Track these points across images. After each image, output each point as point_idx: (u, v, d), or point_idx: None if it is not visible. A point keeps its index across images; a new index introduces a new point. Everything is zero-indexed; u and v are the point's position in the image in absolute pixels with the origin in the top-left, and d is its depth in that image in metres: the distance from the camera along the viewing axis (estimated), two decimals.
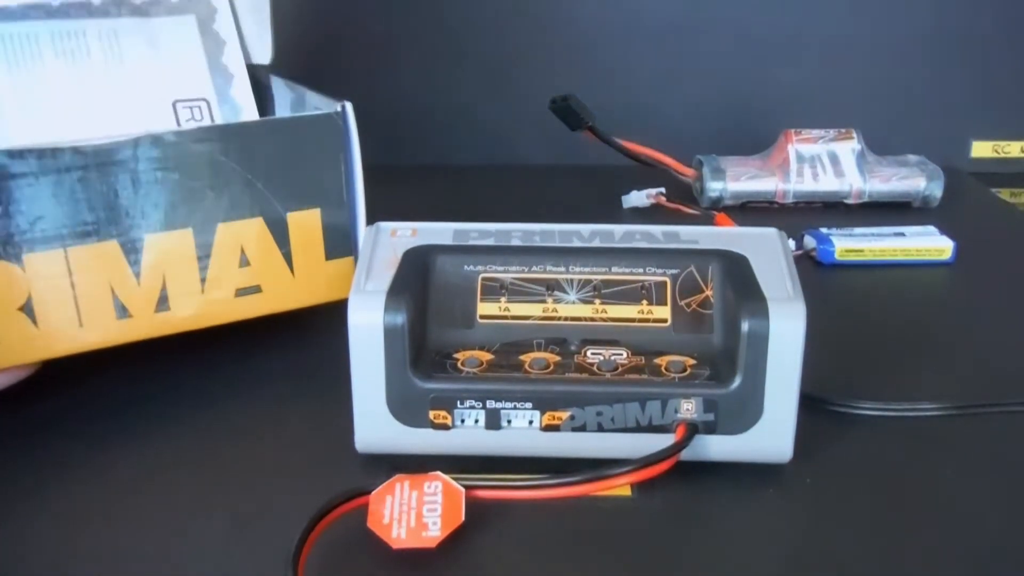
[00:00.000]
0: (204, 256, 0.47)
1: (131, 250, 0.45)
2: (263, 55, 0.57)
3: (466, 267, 0.43)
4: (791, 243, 0.49)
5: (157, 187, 0.45)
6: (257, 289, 0.48)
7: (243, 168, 0.47)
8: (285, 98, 0.57)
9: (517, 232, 0.45)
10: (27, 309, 0.43)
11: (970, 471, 0.42)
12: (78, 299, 0.44)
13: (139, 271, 0.45)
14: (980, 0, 0.83)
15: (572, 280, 0.43)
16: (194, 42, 0.55)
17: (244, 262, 0.47)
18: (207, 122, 0.54)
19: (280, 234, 0.48)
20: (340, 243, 0.50)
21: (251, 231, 0.47)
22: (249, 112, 0.55)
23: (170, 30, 0.54)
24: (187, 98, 0.54)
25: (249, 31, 0.57)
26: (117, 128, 0.51)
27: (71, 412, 0.46)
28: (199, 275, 0.47)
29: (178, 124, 0.53)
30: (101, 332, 0.45)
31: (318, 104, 0.51)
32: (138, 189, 0.44)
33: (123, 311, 0.45)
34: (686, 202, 0.72)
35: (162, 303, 0.46)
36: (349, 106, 0.49)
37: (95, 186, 0.43)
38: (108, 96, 0.52)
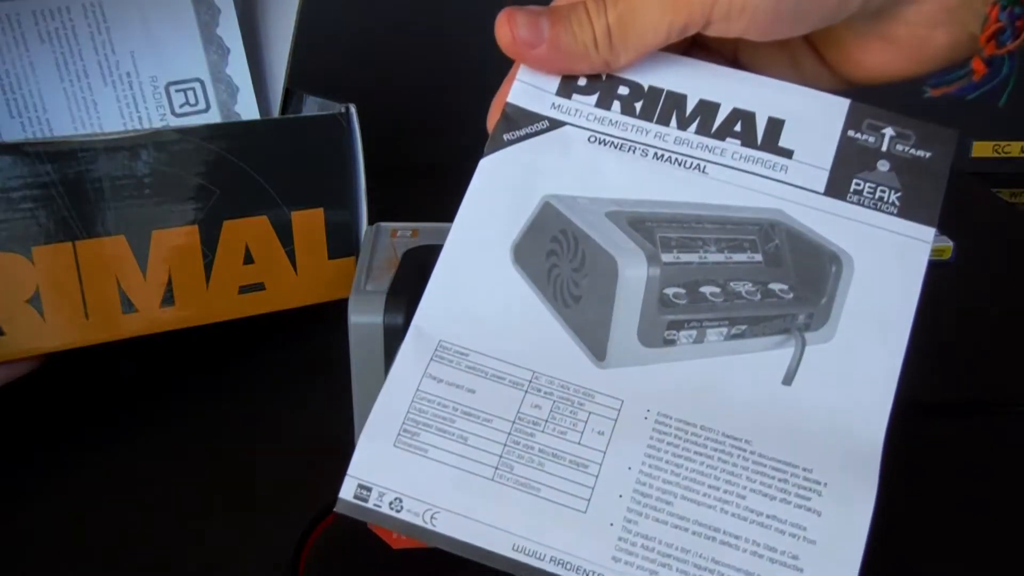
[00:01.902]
0: (209, 253, 0.47)
1: (138, 245, 0.45)
2: None
3: None
4: None
5: (164, 183, 0.45)
6: (260, 287, 0.48)
7: (249, 167, 0.47)
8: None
9: None
10: (34, 302, 0.43)
11: (971, 473, 0.42)
12: (85, 293, 0.44)
13: (145, 266, 0.46)
14: None
15: None
16: (186, 13, 0.53)
17: (248, 259, 0.48)
18: (201, 105, 0.53)
19: (284, 233, 0.48)
20: (343, 242, 0.50)
21: (256, 229, 0.48)
22: (245, 91, 0.54)
23: (160, 2, 0.52)
24: (180, 79, 0.53)
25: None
26: (108, 117, 0.51)
27: (71, 411, 0.46)
28: (204, 271, 0.47)
29: (172, 108, 0.52)
30: (107, 326, 0.45)
31: (323, 106, 0.51)
32: (146, 185, 0.45)
33: (129, 305, 0.46)
34: None
35: (167, 298, 0.46)
36: (353, 107, 0.49)
37: (104, 181, 0.44)
38: (97, 83, 0.51)
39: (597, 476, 0.30)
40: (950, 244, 0.64)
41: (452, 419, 0.31)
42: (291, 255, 0.49)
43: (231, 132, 0.47)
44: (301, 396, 0.47)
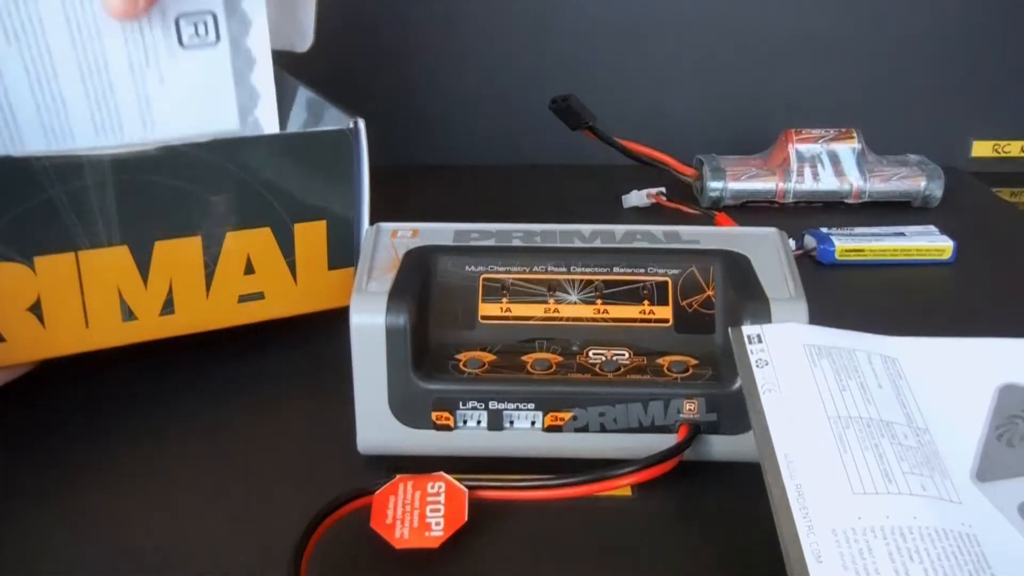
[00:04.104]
0: (211, 263, 0.47)
1: (140, 255, 0.45)
2: (303, 42, 0.54)
3: (467, 268, 0.43)
4: (791, 243, 0.49)
5: (169, 195, 0.45)
6: (260, 296, 0.48)
7: (254, 180, 0.47)
8: (301, 100, 0.56)
9: (518, 233, 0.45)
10: (35, 309, 0.43)
11: None
12: (86, 301, 0.44)
13: (147, 276, 0.46)
14: (981, 0, 0.83)
15: (573, 280, 0.43)
16: None
17: (249, 270, 0.48)
18: (212, 37, 0.49)
19: (286, 244, 0.48)
20: (343, 253, 0.50)
21: (258, 240, 0.48)
22: (260, 39, 0.50)
23: None
24: (191, 11, 0.48)
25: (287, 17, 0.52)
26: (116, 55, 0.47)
27: (72, 412, 0.46)
28: (205, 281, 0.47)
29: (180, 40, 0.48)
30: (106, 333, 0.45)
31: (332, 116, 0.51)
32: (150, 197, 0.45)
33: (129, 314, 0.46)
34: (686, 202, 0.72)
35: (167, 306, 0.46)
36: (362, 123, 0.49)
37: (109, 193, 0.44)
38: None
39: (889, 485, 0.33)
40: (950, 244, 0.64)
41: (849, 376, 0.37)
42: (292, 265, 0.49)
43: (236, 145, 0.46)
44: (302, 397, 0.47)
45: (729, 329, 0.39)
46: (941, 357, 0.39)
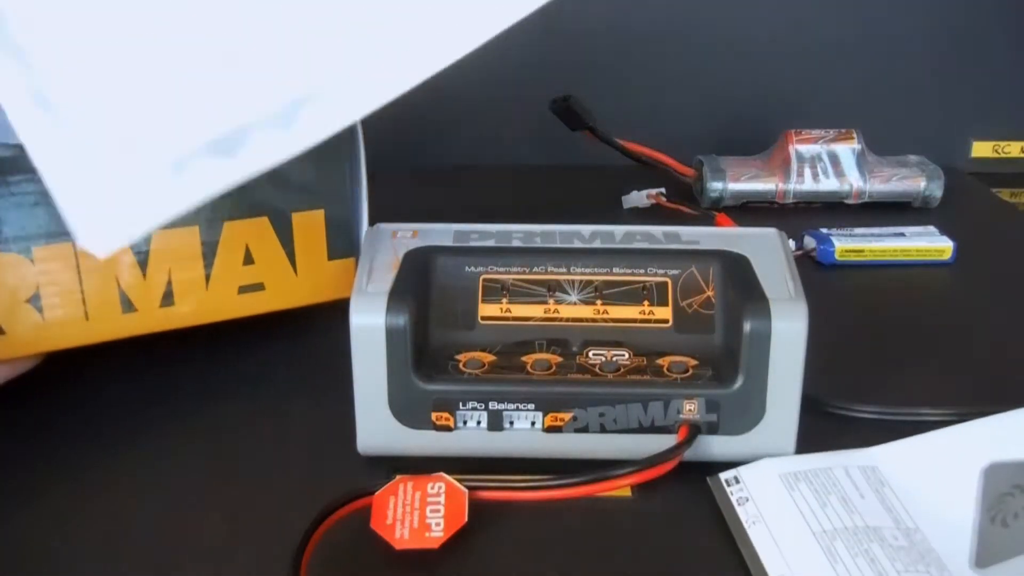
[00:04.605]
0: (209, 253, 0.47)
1: (138, 246, 0.45)
2: None
3: (467, 268, 0.43)
4: (791, 243, 0.49)
5: None
6: (260, 287, 0.48)
7: None
8: None
9: (518, 233, 0.45)
10: (34, 301, 0.43)
11: None
12: (85, 293, 0.44)
13: (145, 266, 0.45)
14: (981, 0, 0.83)
15: (573, 281, 0.43)
16: None
17: (248, 260, 0.48)
18: None
19: (284, 233, 0.48)
20: (343, 243, 0.50)
21: (256, 230, 0.48)
22: None
23: None
24: None
25: None
26: None
27: (71, 411, 0.46)
28: (204, 272, 0.47)
29: None
30: (106, 326, 0.45)
31: None
32: None
33: (128, 305, 0.45)
34: (686, 202, 0.72)
35: (166, 298, 0.46)
36: None
37: None
38: None
39: None
40: (950, 244, 0.64)
41: (829, 492, 0.38)
42: (291, 256, 0.49)
43: None
44: (302, 395, 0.47)
45: (708, 479, 0.40)
46: (919, 455, 0.40)
